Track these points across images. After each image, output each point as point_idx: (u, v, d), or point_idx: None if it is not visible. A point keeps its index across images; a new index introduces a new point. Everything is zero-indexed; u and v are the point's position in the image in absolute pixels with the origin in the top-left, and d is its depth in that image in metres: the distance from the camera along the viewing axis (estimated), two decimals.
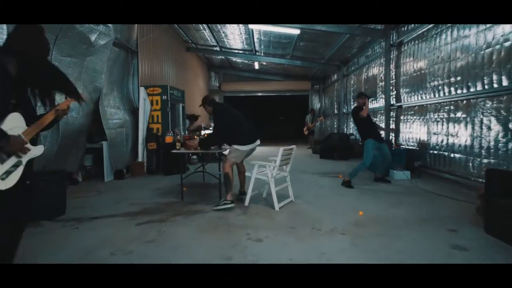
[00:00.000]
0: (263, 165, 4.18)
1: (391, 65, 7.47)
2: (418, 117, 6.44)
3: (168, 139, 6.96)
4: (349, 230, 3.21)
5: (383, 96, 7.79)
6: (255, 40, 10.35)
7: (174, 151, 4.72)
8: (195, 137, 9.05)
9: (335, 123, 12.94)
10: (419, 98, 6.36)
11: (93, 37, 5.54)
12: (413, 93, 6.63)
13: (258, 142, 4.36)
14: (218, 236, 3.11)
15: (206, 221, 3.60)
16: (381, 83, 8.25)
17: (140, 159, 6.99)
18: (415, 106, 6.52)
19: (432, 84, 5.90)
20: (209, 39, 10.72)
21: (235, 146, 4.21)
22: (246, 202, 4.23)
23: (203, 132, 10.85)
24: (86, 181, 6.10)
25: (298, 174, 6.61)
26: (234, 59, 13.42)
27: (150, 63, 7.94)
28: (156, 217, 3.75)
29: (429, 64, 6.00)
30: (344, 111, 11.60)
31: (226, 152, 4.50)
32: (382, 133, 6.66)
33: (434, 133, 5.84)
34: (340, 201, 4.42)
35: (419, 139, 6.38)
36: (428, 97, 6.04)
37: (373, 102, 8.62)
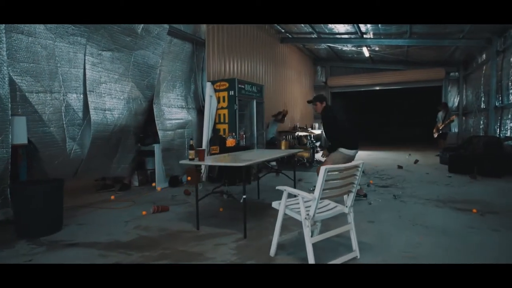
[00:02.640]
0: (295, 193, 2.46)
1: None
2: None
3: (230, 142, 5.83)
4: None
5: None
6: None
7: (183, 161, 3.47)
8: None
9: (481, 122, 9.20)
10: None
11: (139, 28, 4.90)
12: None
13: (357, 150, 4.15)
14: None
15: None
16: None
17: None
18: None
19: None
20: (302, 24, 9.14)
21: (342, 149, 4.02)
22: (272, 252, 2.59)
23: (298, 133, 9.50)
24: (143, 186, 5.60)
25: (397, 201, 4.37)
26: (339, 47, 11.35)
27: (223, 56, 7.00)
28: (133, 256, 2.60)
29: None
30: (497, 104, 7.98)
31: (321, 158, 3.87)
32: None
33: None
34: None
35: None
36: None
37: None
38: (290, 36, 10.35)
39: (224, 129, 6.31)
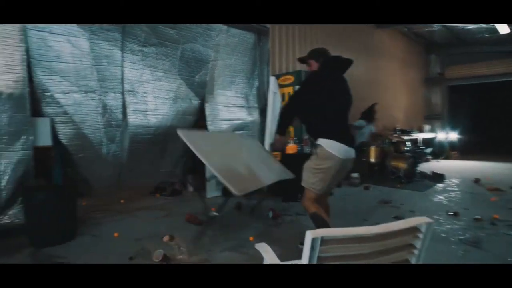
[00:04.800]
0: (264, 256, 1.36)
1: None
2: None
3: (290, 148, 4.81)
4: None
5: None
6: None
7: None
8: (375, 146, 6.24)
9: None
10: None
11: None
12: None
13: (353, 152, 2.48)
14: None
15: None
16: None
17: None
18: None
19: None
20: None
21: (324, 144, 2.37)
22: None
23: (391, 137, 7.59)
24: (197, 192, 5.10)
25: None
26: (461, 26, 8.82)
27: (293, 46, 5.99)
28: None
29: None
30: None
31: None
32: None
33: None
34: None
35: None
36: None
37: None
38: None
39: (289, 132, 5.32)
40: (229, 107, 5.22)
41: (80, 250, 2.78)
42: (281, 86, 5.35)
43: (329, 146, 2.33)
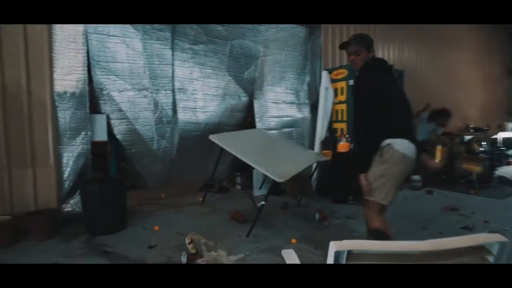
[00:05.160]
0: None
1: None
2: None
3: (342, 146, 4.49)
4: None
5: None
6: None
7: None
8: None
9: None
10: None
11: None
12: None
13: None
14: None
15: None
16: None
17: (315, 173, 5.01)
18: None
19: None
20: None
21: (396, 145, 1.96)
22: None
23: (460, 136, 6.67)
24: (245, 189, 5.07)
25: None
26: None
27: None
28: None
29: None
30: None
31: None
32: None
33: None
34: None
35: None
36: None
37: None
38: None
39: (342, 129, 4.98)
40: (278, 104, 5.09)
41: (127, 241, 2.91)
42: (333, 80, 5.04)
43: (402, 146, 1.97)
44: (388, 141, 1.98)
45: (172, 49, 4.05)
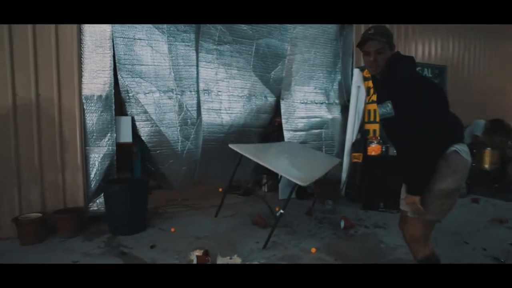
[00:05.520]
0: None
1: None
2: None
3: (374, 149, 4.19)
4: None
5: None
6: None
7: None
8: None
9: None
10: None
11: None
12: None
13: None
14: None
15: None
16: None
17: (344, 176, 4.74)
18: None
19: None
20: None
21: (460, 150, 1.68)
22: None
23: None
24: (271, 192, 4.93)
25: None
26: None
27: None
28: None
29: None
30: None
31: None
32: None
33: None
34: None
35: None
36: None
37: None
38: None
39: (374, 130, 4.66)
40: (306, 104, 4.90)
41: (145, 243, 2.93)
42: (366, 79, 4.73)
43: (465, 152, 1.69)
44: (453, 147, 1.68)
45: (197, 50, 4.04)
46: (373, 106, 4.64)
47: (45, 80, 3.15)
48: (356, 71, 4.77)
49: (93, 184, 3.41)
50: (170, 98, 3.93)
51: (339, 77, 5.11)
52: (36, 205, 3.17)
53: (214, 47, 4.14)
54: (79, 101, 3.30)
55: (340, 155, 4.86)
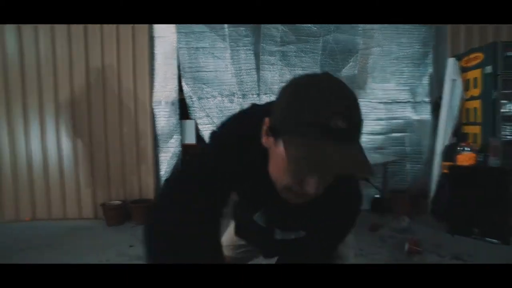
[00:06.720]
0: None
1: None
2: None
3: (464, 158, 3.32)
4: None
5: None
6: None
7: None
8: None
9: None
10: None
11: None
12: None
13: None
14: None
15: None
16: None
17: (432, 188, 3.93)
18: None
19: None
20: None
21: None
22: None
23: None
24: None
25: None
26: None
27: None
28: None
29: None
30: None
31: None
32: None
33: None
34: None
35: None
36: None
37: None
38: None
39: (475, 134, 3.69)
40: (386, 104, 4.28)
41: None
42: (464, 69, 3.80)
43: None
44: None
45: (259, 53, 4.06)
46: (473, 104, 3.70)
47: (126, 88, 3.76)
48: (450, 61, 3.89)
49: (162, 180, 3.87)
50: (231, 102, 4.08)
51: (429, 70, 4.27)
52: (120, 194, 3.81)
53: (277, 48, 4.08)
54: (150, 107, 3.80)
55: (430, 164, 4.06)
